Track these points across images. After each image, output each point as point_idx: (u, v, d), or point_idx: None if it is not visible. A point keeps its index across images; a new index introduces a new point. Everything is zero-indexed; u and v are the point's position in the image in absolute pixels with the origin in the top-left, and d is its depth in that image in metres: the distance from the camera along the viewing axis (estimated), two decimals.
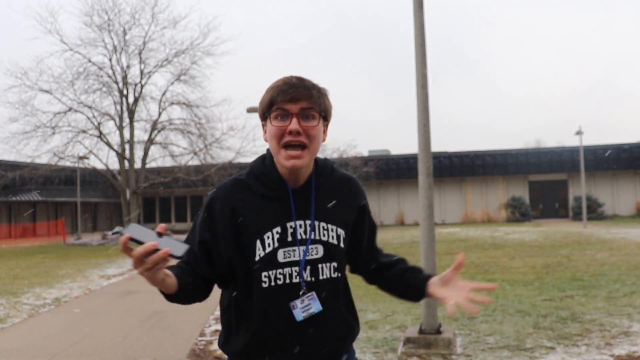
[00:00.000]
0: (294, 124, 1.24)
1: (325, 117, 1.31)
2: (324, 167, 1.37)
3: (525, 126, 74.28)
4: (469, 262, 10.32)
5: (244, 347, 1.29)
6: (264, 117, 1.31)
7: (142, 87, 24.07)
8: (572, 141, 37.37)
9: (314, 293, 1.27)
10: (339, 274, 1.32)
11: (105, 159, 24.35)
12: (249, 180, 1.32)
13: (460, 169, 30.80)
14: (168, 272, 1.19)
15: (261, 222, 1.27)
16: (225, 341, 1.36)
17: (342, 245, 1.32)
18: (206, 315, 6.03)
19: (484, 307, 5.68)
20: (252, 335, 1.28)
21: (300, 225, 1.28)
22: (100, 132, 23.35)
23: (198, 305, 5.94)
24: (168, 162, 25.62)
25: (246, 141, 24.53)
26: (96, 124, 23.30)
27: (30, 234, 27.96)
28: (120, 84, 23.76)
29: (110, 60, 23.63)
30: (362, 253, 1.43)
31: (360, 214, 1.39)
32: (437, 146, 32.01)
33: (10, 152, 22.68)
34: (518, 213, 29.40)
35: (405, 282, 1.39)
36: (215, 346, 4.68)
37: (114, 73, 23.70)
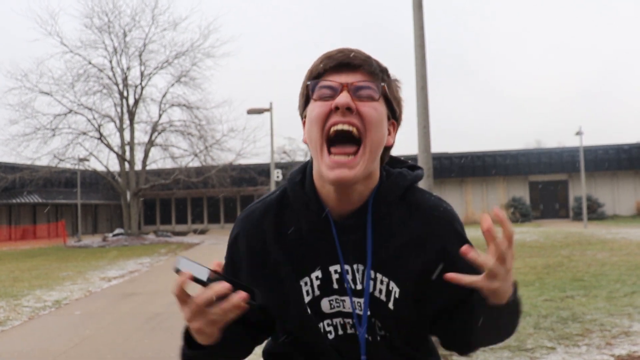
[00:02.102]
0: (342, 97, 0.86)
1: (392, 107, 0.94)
2: (390, 188, 0.95)
3: (525, 127, 74.38)
4: None
5: None
6: (303, 104, 0.95)
7: (142, 88, 24.13)
8: (572, 141, 37.38)
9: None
10: (387, 333, 0.96)
11: (105, 161, 24.43)
12: (282, 207, 0.98)
13: (460, 169, 30.81)
14: None
15: (296, 263, 0.95)
16: None
17: (390, 305, 0.93)
18: None
19: None
20: None
21: (348, 271, 0.94)
22: (101, 134, 23.39)
23: None
24: (168, 164, 25.70)
25: (246, 143, 24.66)
26: (96, 125, 23.36)
27: (31, 236, 27.98)
28: (121, 86, 23.81)
29: (111, 62, 23.71)
30: (446, 320, 0.97)
31: (438, 261, 0.93)
32: (437, 147, 32.09)
33: (11, 154, 22.75)
34: (519, 213, 29.40)
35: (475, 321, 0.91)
36: None
37: (114, 75, 23.77)
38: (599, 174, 29.79)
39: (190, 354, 0.92)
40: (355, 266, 0.94)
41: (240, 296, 0.76)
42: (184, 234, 29.07)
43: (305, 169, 0.98)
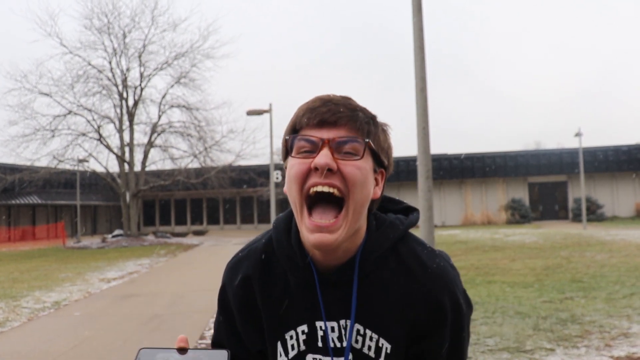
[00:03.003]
0: (322, 156, 0.81)
1: (379, 158, 0.88)
2: (378, 242, 0.89)
3: (524, 128, 74.44)
4: (469, 264, 10.31)
5: None
6: (285, 154, 0.90)
7: (142, 89, 24.13)
8: (571, 143, 37.40)
9: None
10: None
11: (105, 162, 24.43)
12: (269, 257, 0.94)
13: (460, 171, 30.84)
14: None
15: (283, 317, 0.91)
16: None
17: None
18: (206, 319, 6.02)
19: (485, 309, 5.67)
20: None
21: (333, 328, 0.89)
22: (100, 135, 23.39)
23: (198, 308, 5.93)
24: (168, 165, 25.69)
25: (246, 144, 24.62)
26: (96, 126, 23.36)
27: (30, 237, 27.95)
28: (120, 87, 23.82)
29: (110, 63, 23.71)
30: None
31: (430, 322, 0.88)
32: (436, 148, 32.08)
33: (10, 155, 22.72)
34: (518, 215, 29.41)
35: None
36: None
37: (113, 76, 23.77)
38: (599, 175, 29.82)
39: None
40: (342, 322, 0.89)
41: None
42: (183, 235, 29.06)
43: (292, 217, 0.91)
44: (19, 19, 56.61)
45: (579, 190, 27.15)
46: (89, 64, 23.26)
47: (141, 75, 24.01)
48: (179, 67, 24.10)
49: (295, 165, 0.84)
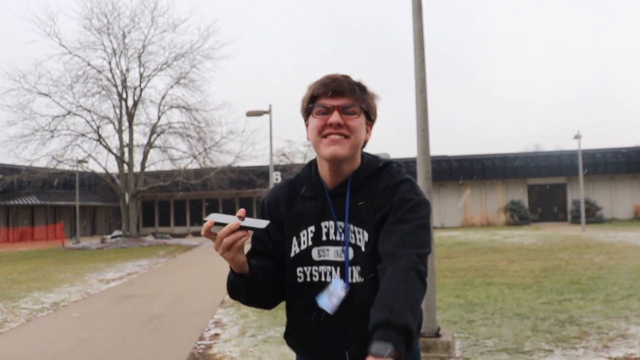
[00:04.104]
0: (334, 117, 1.23)
1: (369, 114, 1.30)
2: (366, 168, 1.31)
3: (524, 130, 74.51)
4: (468, 265, 10.32)
5: (286, 334, 1.38)
6: (306, 114, 1.31)
7: (141, 90, 24.13)
8: (570, 145, 37.48)
9: (337, 283, 1.25)
10: (364, 279, 1.25)
11: (104, 163, 24.39)
12: (295, 181, 1.37)
13: (459, 172, 30.86)
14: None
15: (298, 220, 1.31)
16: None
17: (363, 249, 1.25)
18: (205, 319, 6.02)
19: (483, 311, 5.69)
20: (289, 324, 1.35)
21: (332, 226, 1.28)
22: (100, 136, 23.37)
23: (197, 309, 5.92)
24: (167, 166, 25.67)
25: (245, 145, 24.67)
26: (95, 127, 23.34)
27: (29, 238, 27.91)
28: (120, 88, 23.82)
29: (110, 63, 23.71)
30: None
31: (391, 209, 1.23)
32: (436, 150, 32.05)
33: (9, 155, 22.71)
34: (517, 217, 29.42)
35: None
36: (214, 350, 4.69)
37: (113, 76, 23.77)
38: (597, 177, 29.85)
39: (232, 278, 1.26)
40: (339, 223, 1.28)
41: (239, 233, 1.13)
42: (182, 235, 29.04)
43: (312, 162, 1.38)
44: (17, 19, 56.58)
45: (578, 193, 27.18)
46: (89, 65, 23.27)
47: (141, 75, 24.02)
48: (179, 68, 24.13)
49: (315, 121, 1.27)
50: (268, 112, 17.59)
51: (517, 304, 6.06)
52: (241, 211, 1.16)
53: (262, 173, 27.91)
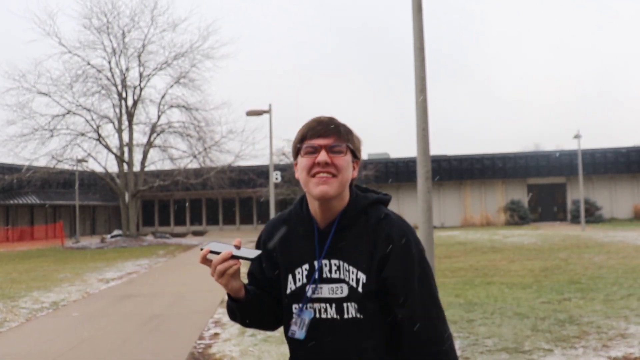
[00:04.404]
0: (322, 156, 1.29)
1: (354, 153, 1.36)
2: (353, 206, 1.34)
3: (524, 130, 74.49)
4: (468, 265, 10.33)
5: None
6: (295, 154, 1.37)
7: (141, 90, 24.12)
8: (570, 145, 37.45)
9: (304, 313, 1.32)
10: (362, 316, 1.29)
11: (104, 162, 24.37)
12: (289, 219, 1.42)
13: (459, 172, 30.86)
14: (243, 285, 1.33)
15: (293, 258, 1.36)
16: None
17: (360, 289, 1.29)
18: (205, 319, 6.02)
19: (483, 310, 5.69)
20: (290, 355, 1.39)
21: (326, 264, 1.32)
22: (99, 135, 23.36)
23: (197, 309, 5.91)
24: (167, 165, 25.64)
25: (245, 144, 24.60)
26: (95, 126, 23.32)
27: (28, 238, 27.91)
28: (120, 87, 23.81)
29: (109, 62, 23.69)
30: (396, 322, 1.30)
31: (388, 254, 1.28)
32: (436, 149, 31.97)
33: (8, 154, 22.69)
34: (517, 216, 29.43)
35: None
36: (214, 349, 4.69)
37: (112, 76, 23.75)
38: (597, 177, 29.87)
39: (229, 303, 1.34)
40: (334, 261, 1.32)
41: (231, 261, 1.22)
42: (182, 235, 29.04)
43: (304, 198, 1.42)
44: (17, 19, 56.52)
45: (577, 192, 27.19)
46: (88, 64, 23.25)
47: (140, 75, 24.01)
48: (179, 67, 24.11)
49: (304, 160, 1.32)
50: (268, 111, 17.58)
51: (516, 304, 6.06)
52: (237, 241, 1.24)
53: (261, 172, 27.91)
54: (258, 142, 41.09)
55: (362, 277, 1.28)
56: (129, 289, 8.91)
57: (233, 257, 1.21)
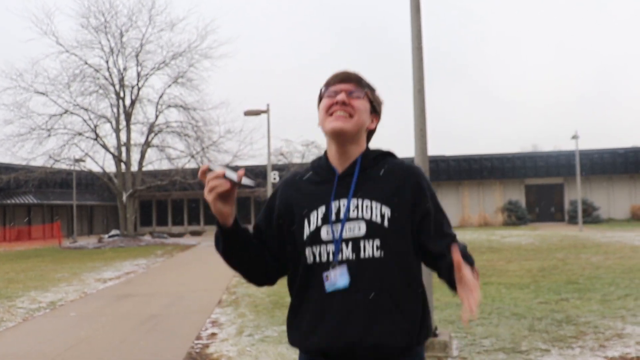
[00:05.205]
0: (340, 96, 1.35)
1: (373, 104, 1.42)
2: (372, 152, 1.41)
3: (521, 130, 74.63)
4: None
5: (289, 323, 1.40)
6: (319, 101, 1.43)
7: (139, 89, 24.09)
8: (568, 145, 37.56)
9: (343, 267, 1.28)
10: (383, 253, 1.28)
11: (101, 162, 24.32)
12: (306, 170, 1.46)
13: (457, 172, 30.90)
14: (233, 213, 1.33)
15: (309, 203, 1.37)
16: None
17: (386, 224, 1.30)
18: (203, 319, 6.02)
19: (481, 310, 5.70)
20: (295, 309, 1.37)
21: (344, 204, 1.33)
22: (97, 135, 23.31)
23: (195, 309, 5.90)
24: (165, 165, 25.60)
25: (243, 144, 24.59)
26: (92, 126, 23.28)
27: (26, 237, 27.83)
28: (117, 86, 23.76)
29: (107, 62, 23.66)
30: (421, 241, 1.34)
31: (415, 193, 1.33)
32: (434, 150, 32.01)
33: (5, 154, 22.65)
34: (514, 217, 29.49)
35: (448, 279, 1.30)
36: (211, 349, 4.68)
37: (110, 75, 23.71)
38: (595, 177, 29.94)
39: (216, 231, 1.35)
40: (352, 200, 1.33)
41: (221, 180, 1.25)
42: (180, 235, 28.99)
43: (325, 151, 1.46)
44: (14, 18, 56.40)
45: (575, 193, 27.25)
46: (86, 63, 23.22)
47: (138, 74, 23.98)
48: (177, 67, 24.09)
49: (325, 101, 1.39)
50: (266, 111, 17.58)
51: (514, 304, 6.08)
52: (241, 170, 1.28)
53: (260, 172, 27.89)
54: (256, 142, 41.06)
55: (386, 211, 1.30)
56: (126, 289, 8.90)
57: (225, 177, 1.24)
